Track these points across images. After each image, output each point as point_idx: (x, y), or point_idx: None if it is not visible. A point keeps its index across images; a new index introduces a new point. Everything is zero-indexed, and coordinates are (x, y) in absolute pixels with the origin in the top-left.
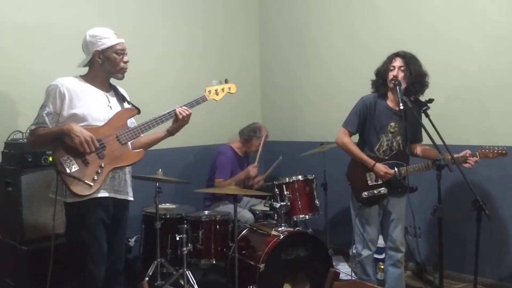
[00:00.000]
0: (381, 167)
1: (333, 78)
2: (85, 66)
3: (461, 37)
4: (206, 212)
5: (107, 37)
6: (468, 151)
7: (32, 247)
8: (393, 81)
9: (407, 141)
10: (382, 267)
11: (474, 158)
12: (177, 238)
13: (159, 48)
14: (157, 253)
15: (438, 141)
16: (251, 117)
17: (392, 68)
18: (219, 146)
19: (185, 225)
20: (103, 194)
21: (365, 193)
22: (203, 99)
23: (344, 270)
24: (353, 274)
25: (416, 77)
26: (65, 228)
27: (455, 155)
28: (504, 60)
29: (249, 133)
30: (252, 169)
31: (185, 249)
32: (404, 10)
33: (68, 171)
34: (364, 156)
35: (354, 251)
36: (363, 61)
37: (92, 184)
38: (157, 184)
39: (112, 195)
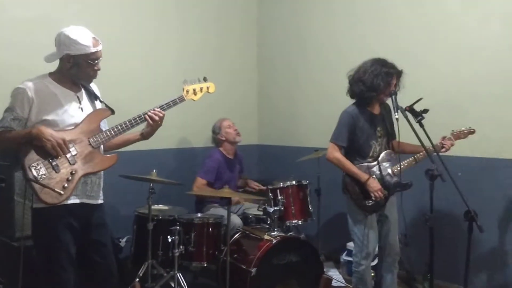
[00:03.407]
0: (374, 184)
1: (327, 87)
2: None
3: (467, 40)
4: (199, 214)
5: (85, 45)
6: (442, 137)
7: (23, 244)
8: (388, 97)
9: (391, 141)
10: (373, 274)
11: (449, 141)
12: (169, 240)
13: (151, 48)
14: (148, 254)
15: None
16: (247, 120)
17: (392, 86)
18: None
19: (178, 227)
20: (73, 200)
21: (369, 200)
22: (181, 99)
23: (335, 276)
24: (343, 280)
25: (399, 77)
26: (31, 232)
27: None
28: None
29: (214, 136)
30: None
31: (176, 251)
32: (411, 11)
33: (37, 178)
34: (357, 171)
35: (345, 258)
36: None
37: (62, 192)
38: (151, 185)
39: (84, 200)
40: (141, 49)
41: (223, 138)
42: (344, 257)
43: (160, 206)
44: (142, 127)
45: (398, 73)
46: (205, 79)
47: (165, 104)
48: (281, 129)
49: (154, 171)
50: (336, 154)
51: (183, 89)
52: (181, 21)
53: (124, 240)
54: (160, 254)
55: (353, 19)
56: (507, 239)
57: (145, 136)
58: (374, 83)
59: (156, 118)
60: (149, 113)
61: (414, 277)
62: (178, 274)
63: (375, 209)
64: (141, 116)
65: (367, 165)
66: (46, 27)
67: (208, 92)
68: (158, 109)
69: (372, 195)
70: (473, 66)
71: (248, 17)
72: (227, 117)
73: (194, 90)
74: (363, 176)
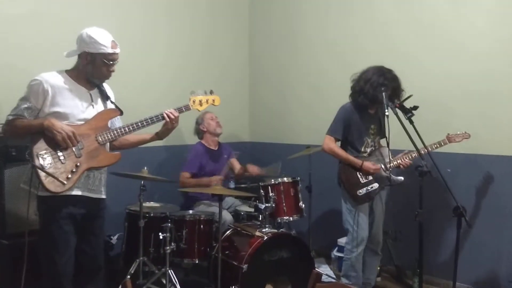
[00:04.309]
0: (369, 165)
1: (319, 84)
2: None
3: (458, 40)
4: (190, 211)
5: (103, 45)
6: (403, 153)
7: (13, 241)
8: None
9: (382, 139)
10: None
11: (407, 160)
12: (161, 237)
13: (150, 52)
14: (139, 252)
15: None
16: (239, 118)
17: (387, 89)
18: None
19: (169, 224)
20: (76, 192)
21: (360, 190)
22: (187, 108)
23: (326, 272)
24: (334, 276)
25: (396, 91)
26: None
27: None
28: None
29: (196, 127)
30: (215, 180)
31: (168, 248)
32: (402, 10)
33: (43, 166)
34: (351, 158)
35: (336, 253)
36: (344, 69)
37: (65, 182)
38: (142, 182)
39: (86, 193)
40: (132, 48)
41: (204, 129)
42: (335, 253)
43: (152, 204)
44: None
45: (394, 87)
46: (211, 92)
47: (178, 108)
48: (273, 126)
49: (145, 168)
50: (331, 145)
51: (190, 99)
52: (172, 19)
53: (116, 237)
54: (152, 251)
55: (345, 18)
56: (496, 235)
57: (160, 136)
58: (374, 96)
59: (172, 117)
60: (166, 112)
61: (404, 272)
62: (169, 271)
63: (366, 199)
64: (156, 116)
65: (361, 156)
66: (35, 25)
67: (213, 104)
68: (174, 109)
69: (371, 174)
70: (462, 64)
71: (240, 14)
72: (218, 115)
73: (200, 101)
74: (358, 161)
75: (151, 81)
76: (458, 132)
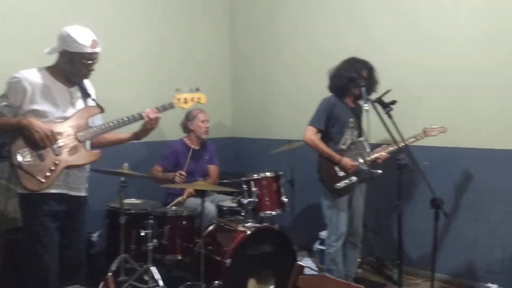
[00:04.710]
0: (347, 161)
1: (300, 78)
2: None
3: (440, 34)
4: (173, 207)
5: (82, 44)
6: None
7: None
8: (362, 84)
9: (362, 133)
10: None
11: (384, 154)
12: (142, 234)
13: (131, 47)
14: (120, 249)
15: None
16: (221, 114)
17: (364, 79)
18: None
19: (151, 221)
20: (55, 190)
21: (338, 184)
22: (171, 105)
23: (309, 265)
24: (317, 269)
25: (374, 84)
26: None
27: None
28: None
29: (185, 122)
30: (177, 177)
31: (150, 244)
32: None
33: (22, 163)
34: (331, 151)
35: (318, 246)
36: (326, 63)
37: (43, 180)
38: (122, 179)
39: (65, 191)
40: (112, 44)
41: (192, 128)
42: (317, 246)
43: (133, 200)
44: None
45: (367, 66)
46: (197, 89)
47: (155, 108)
48: (255, 122)
49: (126, 164)
50: (313, 136)
51: (174, 97)
52: (150, 13)
53: (96, 235)
54: (133, 248)
55: (328, 13)
56: (473, 226)
57: (139, 135)
58: (348, 74)
59: (152, 116)
60: (146, 111)
61: (384, 263)
62: (151, 267)
63: (343, 192)
64: (135, 115)
65: (340, 149)
66: (16, 21)
67: (199, 102)
68: (154, 109)
69: (348, 171)
70: (440, 58)
71: (222, 7)
72: (200, 111)
73: (185, 99)
74: (337, 156)
75: (132, 77)
76: (434, 126)
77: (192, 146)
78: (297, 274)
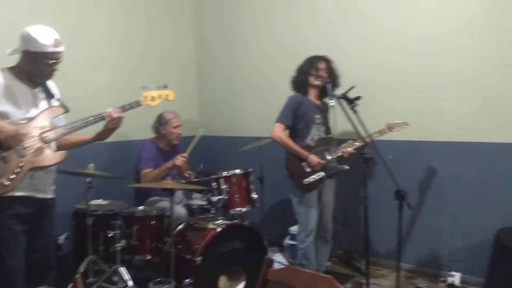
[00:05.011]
0: (313, 158)
1: (267, 76)
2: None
3: (394, 33)
4: (141, 207)
5: (43, 44)
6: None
7: None
8: (321, 80)
9: (328, 129)
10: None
11: (348, 149)
12: (110, 235)
13: (93, 44)
14: (88, 250)
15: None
16: (188, 112)
17: (320, 70)
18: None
19: (118, 221)
20: (19, 193)
21: (306, 180)
22: (138, 103)
23: (279, 260)
24: (288, 263)
25: (335, 78)
26: None
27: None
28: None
29: (157, 126)
30: (179, 159)
31: (118, 245)
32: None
33: None
34: (298, 148)
35: (288, 241)
36: (292, 61)
37: (8, 183)
38: (88, 179)
39: (30, 193)
40: (73, 42)
41: (164, 133)
42: (287, 241)
43: (100, 201)
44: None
45: (321, 58)
46: (165, 87)
47: (121, 106)
48: (223, 120)
49: (92, 165)
50: (280, 133)
51: (141, 94)
52: (111, 8)
53: (63, 237)
54: (102, 250)
55: (292, 10)
56: (436, 216)
57: (101, 136)
58: (303, 70)
59: (114, 116)
60: (107, 111)
61: (353, 255)
62: (120, 268)
63: (312, 188)
64: (98, 115)
65: (307, 145)
66: None
67: (167, 99)
68: (118, 109)
69: (314, 168)
70: (403, 56)
71: (187, 5)
72: (167, 108)
73: (152, 96)
74: (304, 152)
75: (95, 76)
76: (397, 121)
77: (164, 147)
78: (266, 268)
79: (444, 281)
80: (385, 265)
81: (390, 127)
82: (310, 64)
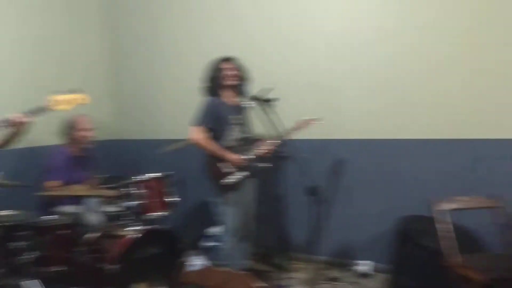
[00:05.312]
0: (234, 157)
1: (183, 79)
2: None
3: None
4: (52, 216)
5: None
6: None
7: None
8: (232, 79)
9: (246, 129)
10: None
11: (264, 147)
12: (17, 246)
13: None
14: None
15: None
16: (101, 115)
17: (226, 70)
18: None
19: (24, 232)
20: None
21: (226, 180)
22: (46, 108)
23: (198, 262)
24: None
25: (245, 78)
26: None
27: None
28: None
29: (66, 131)
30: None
31: (26, 257)
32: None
33: None
34: (218, 149)
35: (206, 244)
36: (206, 62)
37: None
38: None
39: None
40: None
41: (74, 137)
42: (207, 243)
43: (7, 212)
44: None
45: (227, 58)
46: (76, 91)
47: (29, 111)
48: (138, 123)
49: (2, 173)
50: (198, 135)
51: (50, 99)
52: (22, 7)
53: None
54: (9, 262)
55: (206, 13)
56: (348, 209)
57: (5, 142)
58: (212, 75)
59: (18, 121)
60: (11, 116)
61: (272, 252)
62: (29, 281)
63: (233, 188)
64: (2, 120)
65: (227, 146)
66: None
67: (80, 103)
68: (22, 114)
69: (235, 166)
70: (313, 59)
71: (100, 5)
72: (83, 118)
73: (62, 100)
74: (224, 153)
75: (2, 80)
76: (306, 118)
77: (77, 153)
78: (180, 271)
79: (357, 270)
80: (303, 259)
81: (304, 122)
82: (215, 68)
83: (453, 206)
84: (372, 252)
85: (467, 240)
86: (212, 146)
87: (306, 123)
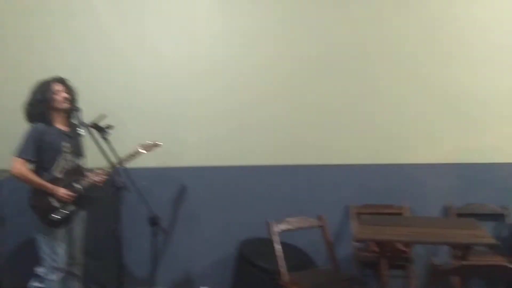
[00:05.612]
0: (62, 191)
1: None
2: None
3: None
4: None
5: None
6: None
7: None
8: (64, 103)
9: (79, 157)
10: None
11: (100, 174)
12: None
13: None
14: None
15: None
16: None
17: (58, 92)
18: None
19: None
20: None
21: (54, 215)
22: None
23: None
24: None
25: (75, 100)
26: None
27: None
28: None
29: None
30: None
31: None
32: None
33: None
34: (43, 182)
35: (35, 284)
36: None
37: None
38: None
39: None
40: None
41: None
42: (34, 284)
43: None
44: None
45: (58, 80)
46: None
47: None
48: None
49: None
50: (21, 168)
51: None
52: None
53: None
54: None
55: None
56: (188, 237)
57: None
58: (41, 98)
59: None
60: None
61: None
62: None
63: (61, 224)
64: None
65: (55, 177)
66: None
67: None
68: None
69: (65, 201)
70: (155, 87)
71: None
72: None
73: None
74: (51, 186)
75: None
76: (148, 142)
77: None
78: None
79: None
80: None
81: (141, 148)
82: (45, 89)
83: (283, 227)
84: (213, 278)
85: (301, 258)
86: (36, 180)
87: (146, 148)
